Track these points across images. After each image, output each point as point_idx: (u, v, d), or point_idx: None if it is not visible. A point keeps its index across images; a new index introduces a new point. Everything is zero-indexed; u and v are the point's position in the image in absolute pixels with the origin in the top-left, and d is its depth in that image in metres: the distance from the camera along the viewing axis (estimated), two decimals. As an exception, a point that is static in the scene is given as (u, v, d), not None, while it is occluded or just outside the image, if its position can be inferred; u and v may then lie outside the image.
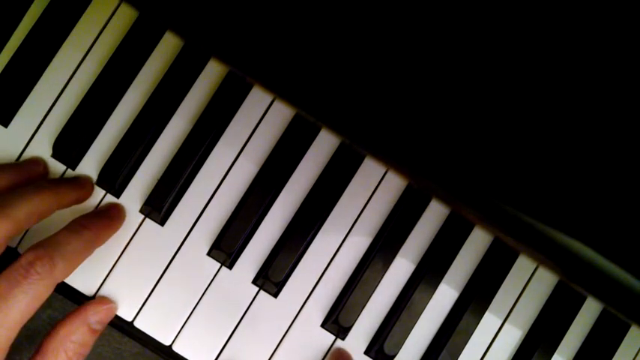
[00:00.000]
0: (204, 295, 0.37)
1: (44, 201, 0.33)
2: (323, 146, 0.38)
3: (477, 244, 0.38)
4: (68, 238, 0.32)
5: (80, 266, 0.33)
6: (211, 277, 0.37)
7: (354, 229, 0.38)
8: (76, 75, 0.38)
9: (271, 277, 0.37)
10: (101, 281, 0.37)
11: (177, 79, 0.38)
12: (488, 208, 0.31)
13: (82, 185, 0.37)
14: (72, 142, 0.37)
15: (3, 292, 0.28)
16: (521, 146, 0.30)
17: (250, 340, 0.37)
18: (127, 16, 0.38)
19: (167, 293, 0.37)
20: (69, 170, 0.38)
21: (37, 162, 0.37)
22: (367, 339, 0.38)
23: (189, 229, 0.37)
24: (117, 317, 0.37)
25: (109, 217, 0.36)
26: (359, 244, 0.38)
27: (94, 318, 0.34)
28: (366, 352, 0.38)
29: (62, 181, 0.36)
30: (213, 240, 0.37)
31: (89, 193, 0.37)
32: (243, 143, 0.38)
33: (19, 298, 0.28)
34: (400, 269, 0.38)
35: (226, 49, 0.31)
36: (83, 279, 0.37)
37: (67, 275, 0.31)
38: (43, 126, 0.38)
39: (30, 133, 0.38)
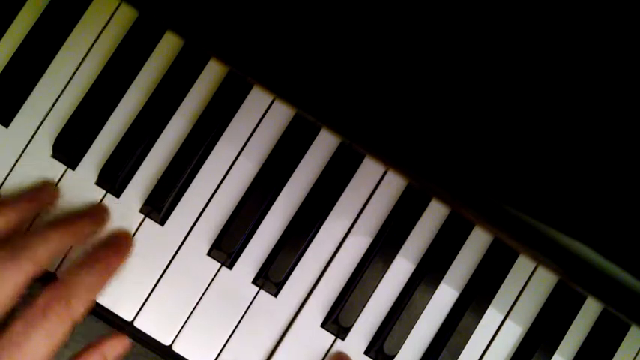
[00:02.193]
0: (204, 295, 0.37)
1: (63, 239, 0.32)
2: (323, 146, 0.38)
3: (477, 244, 0.38)
4: (83, 275, 0.32)
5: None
6: (211, 277, 0.37)
7: (354, 228, 0.38)
8: (76, 75, 0.38)
9: (271, 277, 0.37)
10: (101, 281, 0.37)
11: (177, 79, 0.38)
12: (488, 208, 0.31)
13: (99, 215, 0.36)
14: (72, 142, 0.37)
15: (22, 336, 0.28)
16: (521, 147, 0.30)
17: (250, 340, 0.37)
18: (127, 16, 0.38)
19: (167, 293, 0.37)
20: (70, 171, 0.38)
21: (48, 188, 0.36)
22: (367, 339, 0.38)
23: (189, 229, 0.37)
24: (117, 317, 0.37)
25: (119, 247, 0.35)
26: (359, 244, 0.38)
27: (112, 353, 0.34)
28: (366, 352, 0.38)
29: (78, 215, 0.35)
30: (213, 240, 0.37)
31: (105, 222, 0.37)
32: (243, 143, 0.38)
33: (38, 341, 0.28)
34: (400, 269, 0.38)
35: (226, 49, 0.31)
36: (83, 279, 0.37)
37: (84, 313, 0.31)
38: (43, 126, 0.38)
39: (30, 133, 0.38)
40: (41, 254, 0.31)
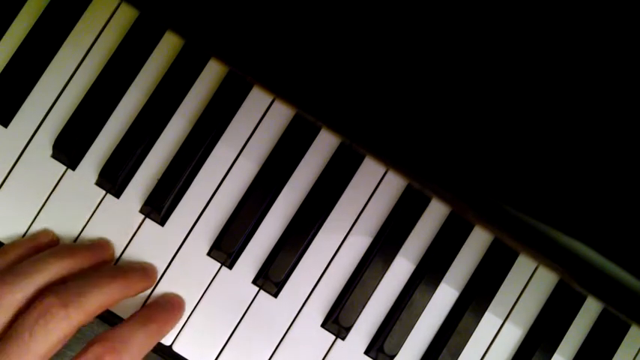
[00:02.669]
0: (204, 295, 0.37)
1: (114, 292, 0.33)
2: (323, 146, 0.38)
3: (477, 244, 0.38)
4: (136, 331, 0.32)
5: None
6: (211, 278, 0.37)
7: (354, 228, 0.38)
8: (76, 75, 0.38)
9: (271, 277, 0.37)
10: (101, 281, 0.37)
11: (177, 78, 0.38)
12: (488, 208, 0.31)
13: (150, 275, 0.36)
14: (72, 142, 0.37)
15: None
16: (521, 146, 0.30)
17: (250, 340, 0.37)
18: (127, 15, 0.38)
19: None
20: (69, 171, 0.38)
21: (108, 246, 0.37)
22: (367, 339, 0.38)
23: (189, 229, 0.37)
24: (117, 318, 0.37)
25: (173, 312, 0.36)
26: (359, 244, 0.38)
27: None
28: (366, 352, 0.38)
29: (130, 270, 0.35)
30: (213, 240, 0.37)
31: (154, 281, 0.37)
32: (243, 143, 0.38)
33: None
34: (400, 269, 0.38)
35: (226, 49, 0.31)
36: (83, 279, 0.37)
37: None
38: (43, 126, 0.38)
39: (30, 133, 0.38)
40: (91, 305, 0.31)
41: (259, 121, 0.38)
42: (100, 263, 0.36)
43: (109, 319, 0.37)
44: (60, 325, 0.29)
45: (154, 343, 0.33)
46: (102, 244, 0.37)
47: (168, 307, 0.36)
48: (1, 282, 0.30)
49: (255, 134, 0.38)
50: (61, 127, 0.38)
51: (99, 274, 0.33)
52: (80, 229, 0.37)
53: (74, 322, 0.30)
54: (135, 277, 0.35)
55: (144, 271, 0.36)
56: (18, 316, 0.30)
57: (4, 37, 0.38)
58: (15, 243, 0.35)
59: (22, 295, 0.30)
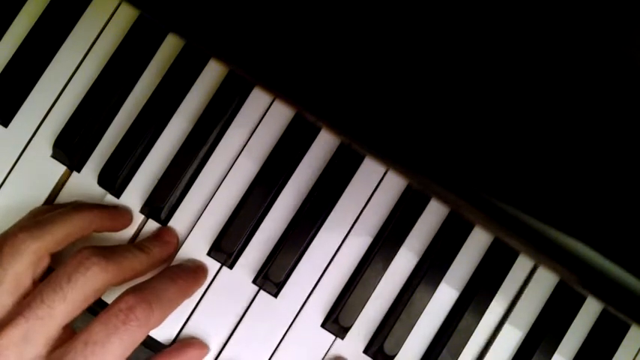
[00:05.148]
0: (205, 295, 0.37)
1: (147, 265, 0.34)
2: (323, 146, 0.38)
3: (477, 244, 0.38)
4: (165, 285, 0.32)
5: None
6: (211, 277, 0.37)
7: (354, 228, 0.38)
8: (76, 75, 0.38)
9: (271, 277, 0.37)
10: (101, 281, 0.37)
11: (177, 78, 0.38)
12: (489, 208, 0.31)
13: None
14: (73, 142, 0.37)
15: (101, 337, 0.28)
16: (521, 146, 0.30)
17: (250, 340, 0.37)
18: (127, 15, 0.38)
19: (167, 293, 0.37)
20: (73, 172, 0.38)
21: (124, 211, 0.37)
22: (367, 339, 0.38)
23: (189, 229, 0.37)
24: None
25: (197, 274, 0.36)
26: (359, 243, 0.38)
27: None
28: (366, 352, 0.38)
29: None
30: (213, 240, 0.37)
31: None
32: (243, 143, 0.38)
33: (116, 344, 0.28)
34: (400, 269, 0.38)
35: (226, 49, 0.31)
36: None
37: (161, 322, 0.31)
38: (43, 126, 0.38)
39: (30, 133, 0.38)
40: (127, 265, 0.32)
41: (259, 121, 0.38)
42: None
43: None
44: (98, 276, 0.30)
45: (181, 302, 0.34)
46: (121, 209, 0.37)
47: (194, 269, 0.36)
48: (25, 230, 0.31)
49: (255, 134, 0.38)
50: (62, 127, 0.38)
51: (127, 244, 0.34)
52: (80, 229, 0.37)
53: (110, 275, 0.30)
54: (160, 247, 0.35)
55: (167, 239, 0.37)
56: (43, 269, 0.31)
57: (4, 37, 0.38)
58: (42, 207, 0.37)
59: (43, 243, 0.31)
